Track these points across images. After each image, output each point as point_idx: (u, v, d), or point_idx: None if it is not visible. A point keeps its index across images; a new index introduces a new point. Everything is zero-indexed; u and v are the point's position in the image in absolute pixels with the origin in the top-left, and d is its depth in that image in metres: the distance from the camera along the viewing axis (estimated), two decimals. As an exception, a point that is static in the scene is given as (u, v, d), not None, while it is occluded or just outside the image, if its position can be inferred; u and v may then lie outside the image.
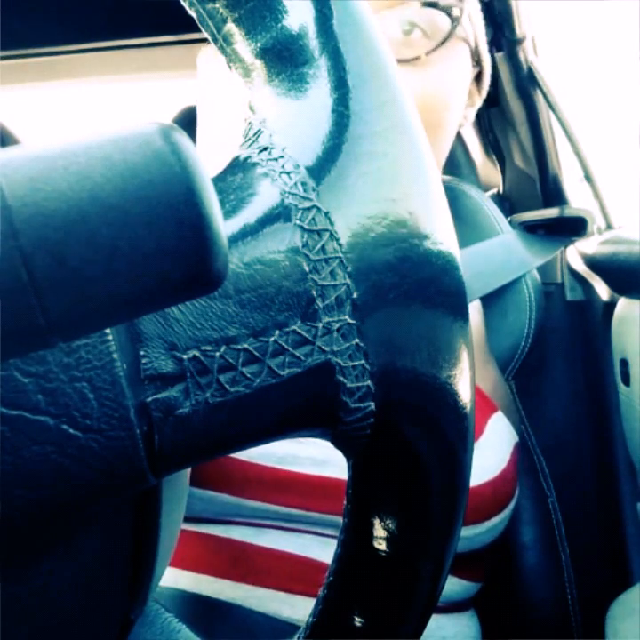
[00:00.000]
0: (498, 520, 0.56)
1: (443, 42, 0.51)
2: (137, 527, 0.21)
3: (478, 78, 0.61)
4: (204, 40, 0.93)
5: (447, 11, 0.51)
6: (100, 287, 0.14)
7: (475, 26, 0.57)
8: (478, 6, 0.58)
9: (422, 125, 0.53)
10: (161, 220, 0.14)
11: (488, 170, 0.92)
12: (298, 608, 0.50)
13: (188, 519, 0.52)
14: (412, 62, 0.51)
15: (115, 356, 0.17)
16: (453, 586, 0.56)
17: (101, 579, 0.21)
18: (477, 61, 0.59)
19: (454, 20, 0.52)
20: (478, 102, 0.63)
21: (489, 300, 0.70)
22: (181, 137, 0.15)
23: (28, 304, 0.13)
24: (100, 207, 0.14)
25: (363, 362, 0.21)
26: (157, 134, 0.14)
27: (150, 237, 0.14)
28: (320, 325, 0.20)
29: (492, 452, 0.57)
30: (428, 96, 0.51)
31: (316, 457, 0.50)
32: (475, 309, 0.69)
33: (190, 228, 0.14)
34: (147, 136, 0.14)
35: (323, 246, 0.20)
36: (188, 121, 0.78)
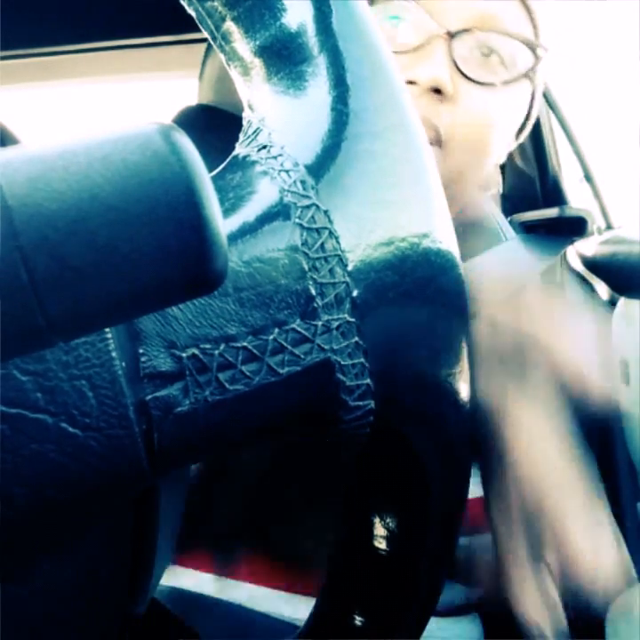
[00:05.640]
0: None
1: (520, 76, 0.53)
2: (136, 527, 0.21)
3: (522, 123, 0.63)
4: (203, 40, 0.93)
5: (532, 48, 0.53)
6: (99, 287, 0.14)
7: (541, 77, 0.59)
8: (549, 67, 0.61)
9: (474, 147, 0.54)
10: (160, 220, 0.14)
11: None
12: (299, 608, 0.50)
13: None
14: (483, 85, 0.52)
15: (114, 354, 0.17)
16: (456, 591, 0.56)
17: (101, 579, 0.21)
18: (529, 108, 0.61)
19: (537, 59, 0.53)
20: (513, 145, 0.64)
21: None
22: (181, 137, 0.15)
23: (27, 304, 0.13)
24: (99, 207, 0.14)
25: (362, 360, 0.21)
26: (157, 134, 0.14)
27: (150, 238, 0.14)
28: (319, 323, 0.20)
29: None
30: (491, 119, 0.53)
31: None
32: None
33: (190, 228, 0.14)
34: (146, 136, 0.14)
35: (322, 244, 0.20)
36: (188, 121, 0.78)
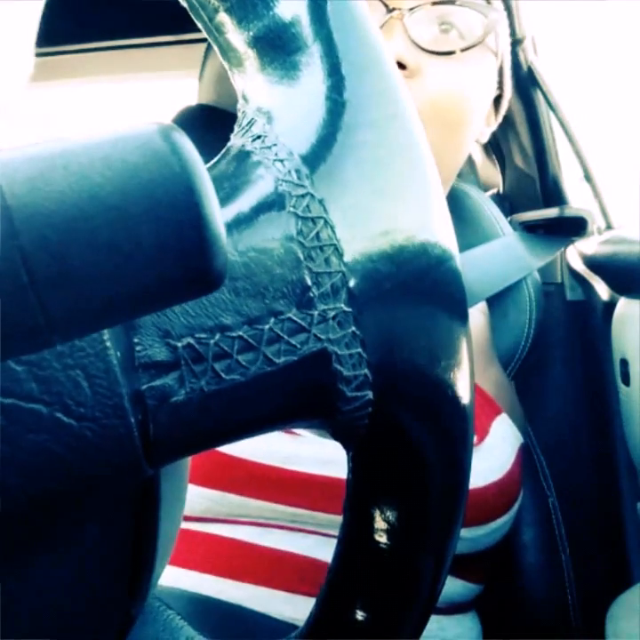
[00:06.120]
0: (502, 522, 0.56)
1: (479, 41, 0.55)
2: (136, 524, 0.21)
3: (497, 102, 0.64)
4: (203, 40, 0.93)
5: (483, 12, 0.55)
6: (99, 287, 0.14)
7: (504, 49, 0.61)
8: (509, 40, 0.63)
9: (446, 119, 0.55)
10: (161, 219, 0.14)
11: (488, 170, 0.92)
12: (300, 608, 0.50)
13: (192, 519, 0.52)
14: (446, 57, 0.54)
15: (108, 343, 0.17)
16: (456, 587, 0.56)
17: (100, 576, 0.21)
18: (500, 84, 0.62)
19: (490, 23, 0.56)
20: (494, 125, 0.65)
21: (490, 300, 0.70)
22: (181, 137, 0.15)
23: (27, 304, 0.13)
24: (99, 207, 0.14)
25: (359, 350, 0.21)
26: (157, 134, 0.14)
27: (150, 237, 0.14)
28: (315, 313, 0.20)
29: (497, 453, 0.57)
30: (457, 90, 0.55)
31: (320, 457, 0.50)
32: (480, 311, 0.69)
33: (190, 228, 0.14)
34: (146, 136, 0.14)
35: (317, 233, 0.20)
36: (188, 121, 0.78)
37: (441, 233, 0.22)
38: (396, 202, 0.21)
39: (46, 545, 0.19)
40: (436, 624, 0.55)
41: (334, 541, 0.52)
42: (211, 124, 0.77)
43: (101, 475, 0.18)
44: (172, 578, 0.52)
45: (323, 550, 0.51)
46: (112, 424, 0.17)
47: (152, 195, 0.14)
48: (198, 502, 0.51)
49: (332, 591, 0.26)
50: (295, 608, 0.50)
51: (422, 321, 0.21)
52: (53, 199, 0.13)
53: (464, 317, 0.22)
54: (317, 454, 0.50)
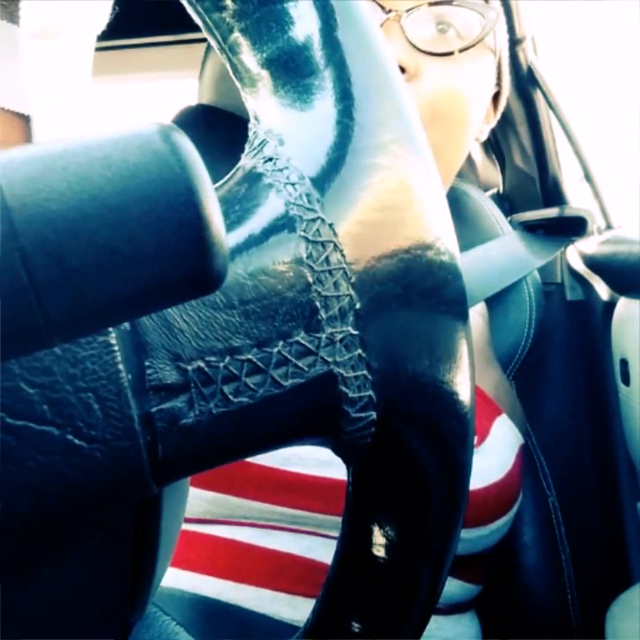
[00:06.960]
0: (501, 523, 0.56)
1: (477, 41, 0.55)
2: (137, 531, 0.21)
3: (496, 99, 0.65)
4: (203, 40, 0.93)
5: (481, 12, 0.55)
6: (99, 287, 0.14)
7: (501, 46, 0.61)
8: (506, 36, 0.62)
9: (445, 120, 0.55)
10: (160, 220, 0.14)
11: (488, 170, 0.92)
12: (299, 609, 0.50)
13: (191, 520, 0.52)
14: (445, 57, 0.54)
15: (120, 366, 0.17)
16: (454, 588, 0.56)
17: (101, 583, 0.21)
18: (498, 81, 0.62)
19: (488, 22, 0.55)
20: (493, 122, 0.65)
21: (489, 300, 0.70)
22: (181, 137, 0.15)
23: (27, 304, 0.13)
24: (99, 208, 0.14)
25: (365, 372, 0.21)
26: (157, 134, 0.14)
27: (150, 238, 0.14)
28: (323, 336, 0.20)
29: (497, 455, 0.57)
30: (455, 90, 0.55)
31: (320, 458, 0.50)
32: (477, 313, 0.69)
33: (190, 228, 0.14)
34: (146, 136, 0.14)
35: (327, 257, 0.20)
36: (188, 121, 0.78)
37: (447, 253, 0.22)
38: (403, 223, 0.21)
39: (48, 557, 0.19)
40: (434, 624, 0.54)
41: (334, 543, 0.52)
42: (211, 124, 0.77)
43: (108, 493, 0.18)
44: (172, 579, 0.52)
45: (323, 551, 0.51)
46: (122, 446, 0.17)
47: (152, 195, 0.14)
48: (198, 504, 0.51)
49: (330, 597, 0.26)
50: (295, 609, 0.50)
51: (426, 340, 0.22)
52: (53, 200, 0.13)
53: (467, 334, 0.22)
54: (318, 455, 0.50)
